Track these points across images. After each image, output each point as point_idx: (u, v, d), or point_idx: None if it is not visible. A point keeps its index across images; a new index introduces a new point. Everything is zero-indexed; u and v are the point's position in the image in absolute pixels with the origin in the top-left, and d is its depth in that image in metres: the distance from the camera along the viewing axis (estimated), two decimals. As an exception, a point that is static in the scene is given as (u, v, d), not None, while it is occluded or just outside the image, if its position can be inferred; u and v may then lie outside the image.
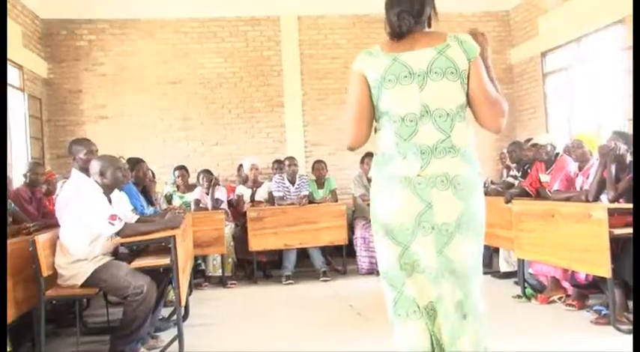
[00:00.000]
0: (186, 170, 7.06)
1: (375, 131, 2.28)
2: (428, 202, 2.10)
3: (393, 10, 2.21)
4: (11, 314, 3.47)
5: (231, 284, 6.32)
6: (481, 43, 2.20)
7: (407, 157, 2.14)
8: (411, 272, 2.17)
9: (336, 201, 7.00)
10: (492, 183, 6.86)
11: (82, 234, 3.77)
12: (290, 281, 6.30)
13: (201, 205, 6.61)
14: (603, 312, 4.15)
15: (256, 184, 7.20)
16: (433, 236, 2.10)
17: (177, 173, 6.98)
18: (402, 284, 2.19)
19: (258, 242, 6.42)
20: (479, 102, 2.15)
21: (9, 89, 6.68)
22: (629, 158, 4.19)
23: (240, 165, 7.61)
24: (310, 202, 6.74)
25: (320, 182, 7.16)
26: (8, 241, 3.67)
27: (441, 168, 2.10)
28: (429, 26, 2.27)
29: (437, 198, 2.10)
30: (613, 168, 4.20)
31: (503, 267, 5.90)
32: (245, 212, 6.62)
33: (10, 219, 4.47)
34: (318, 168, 7.18)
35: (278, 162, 7.47)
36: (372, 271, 6.50)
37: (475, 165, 2.17)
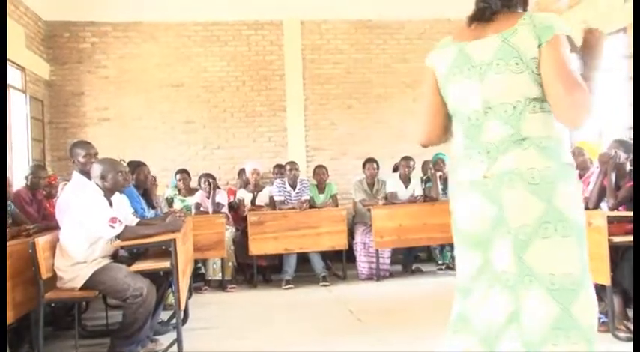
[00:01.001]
0: (188, 173, 7.05)
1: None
2: (499, 204, 1.86)
3: None
4: (10, 317, 3.47)
5: (230, 288, 6.32)
6: (590, 40, 1.98)
7: (472, 158, 1.93)
8: (481, 286, 1.93)
9: (337, 206, 7.00)
10: None
11: (82, 236, 3.78)
12: (290, 285, 6.30)
13: (201, 209, 6.61)
14: (602, 320, 4.13)
15: (257, 188, 7.19)
16: (510, 240, 1.84)
17: (178, 176, 6.98)
18: (465, 300, 1.98)
19: (259, 246, 6.42)
20: (549, 89, 1.81)
21: (11, 91, 6.71)
22: (628, 166, 4.20)
23: (242, 169, 7.61)
24: (311, 207, 6.74)
25: (321, 187, 7.16)
26: (8, 243, 3.67)
27: (510, 164, 1.84)
28: (525, 7, 1.98)
29: (507, 199, 1.84)
30: (613, 176, 4.22)
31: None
32: (245, 216, 6.62)
33: (10, 221, 4.47)
34: (320, 172, 7.17)
35: (279, 166, 7.47)
36: (372, 276, 6.51)
37: (557, 156, 1.85)
